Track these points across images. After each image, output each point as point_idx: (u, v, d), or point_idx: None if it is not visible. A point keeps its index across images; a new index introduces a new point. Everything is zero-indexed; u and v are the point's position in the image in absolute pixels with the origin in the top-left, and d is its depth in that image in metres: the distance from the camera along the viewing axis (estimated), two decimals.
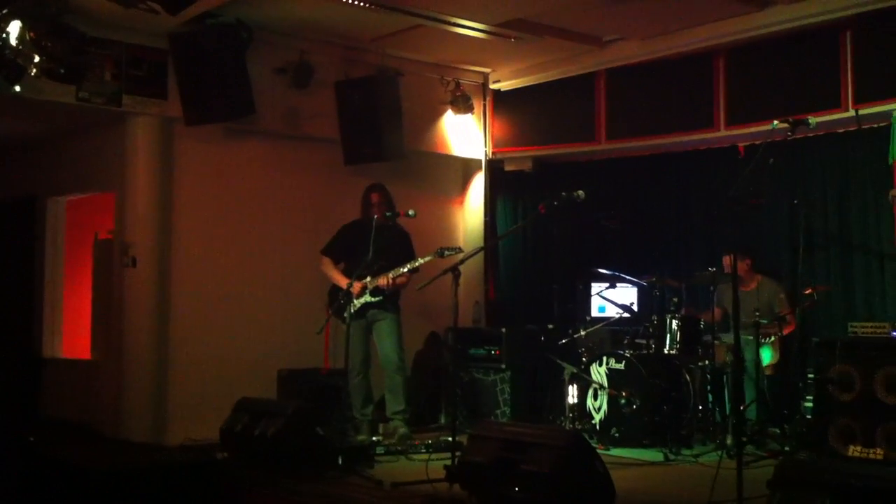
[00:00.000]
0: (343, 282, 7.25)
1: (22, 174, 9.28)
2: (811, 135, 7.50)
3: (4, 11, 6.17)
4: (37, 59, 6.36)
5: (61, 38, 6.51)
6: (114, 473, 5.22)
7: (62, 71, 6.64)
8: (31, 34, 6.31)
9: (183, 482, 5.36)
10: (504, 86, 9.47)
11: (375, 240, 6.99)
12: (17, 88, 6.44)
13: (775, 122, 5.79)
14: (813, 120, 5.70)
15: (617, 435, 7.13)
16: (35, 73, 6.43)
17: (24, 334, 9.02)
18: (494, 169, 9.76)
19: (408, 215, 7.18)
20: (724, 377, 7.29)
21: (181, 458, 6.16)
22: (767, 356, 7.40)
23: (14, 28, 6.20)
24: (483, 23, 7.90)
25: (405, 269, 7.15)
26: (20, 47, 6.25)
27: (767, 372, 7.36)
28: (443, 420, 8.35)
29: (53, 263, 9.00)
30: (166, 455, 6.41)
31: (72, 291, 9.03)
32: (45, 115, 7.82)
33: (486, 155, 9.67)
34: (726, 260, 7.22)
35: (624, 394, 7.14)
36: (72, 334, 8.99)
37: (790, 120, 5.60)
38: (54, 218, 9.03)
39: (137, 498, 5.19)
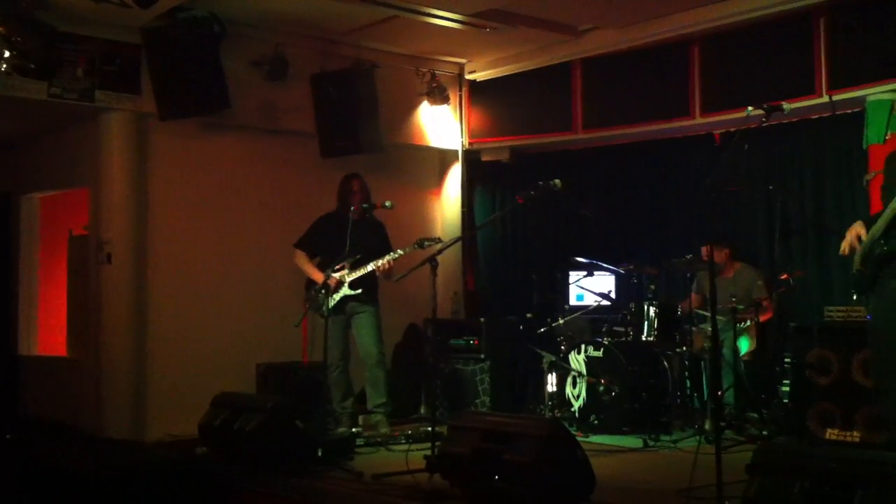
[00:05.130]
0: (318, 276, 7.20)
1: None
2: (786, 121, 7.56)
3: None
4: (6, 54, 6.31)
5: (32, 34, 6.47)
6: (94, 475, 5.19)
7: (33, 66, 6.60)
8: (1, 29, 6.26)
9: (164, 480, 5.34)
10: (480, 76, 9.46)
11: (352, 232, 6.96)
12: None
13: (750, 108, 5.79)
14: (788, 106, 5.69)
15: (596, 422, 7.16)
16: (5, 69, 6.38)
17: (1, 332, 8.95)
18: (471, 160, 9.75)
19: (384, 207, 7.14)
20: (702, 363, 7.33)
21: (161, 456, 6.14)
22: (745, 345, 7.45)
23: None
24: (458, 13, 7.89)
25: (385, 260, 7.08)
26: None
27: (745, 359, 7.40)
28: (423, 411, 8.34)
29: (28, 260, 8.93)
30: (146, 454, 6.39)
31: (47, 288, 8.96)
32: (17, 112, 7.74)
33: (462, 146, 9.66)
34: (705, 249, 7.25)
35: (602, 381, 7.17)
36: (48, 331, 8.92)
37: (765, 106, 5.60)
38: (28, 215, 8.95)
39: (117, 497, 5.16)
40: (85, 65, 7.40)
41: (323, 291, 6.99)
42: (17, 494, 5.56)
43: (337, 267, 7.08)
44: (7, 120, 8.21)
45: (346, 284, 7.15)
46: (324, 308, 6.93)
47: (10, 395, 8.77)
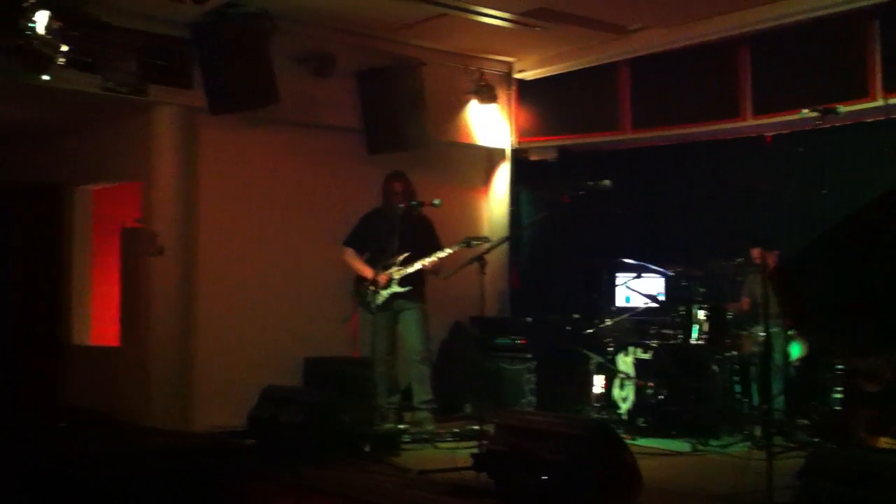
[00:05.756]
0: (368, 272, 7.24)
1: (47, 162, 9.31)
2: (839, 124, 7.44)
3: (32, 1, 6.20)
4: (63, 48, 6.40)
5: (88, 29, 6.56)
6: (139, 458, 5.25)
7: (88, 61, 6.69)
8: (58, 24, 6.35)
9: (210, 469, 5.39)
10: (528, 75, 9.44)
11: (401, 230, 6.98)
12: (46, 78, 6.47)
13: (805, 110, 5.76)
14: (843, 109, 5.67)
15: (644, 425, 7.11)
16: (62, 63, 6.46)
17: (50, 322, 9.08)
18: (519, 159, 9.73)
19: (433, 205, 7.16)
20: (752, 368, 7.24)
21: (209, 443, 6.20)
22: (797, 350, 7.34)
23: (41, 18, 6.23)
24: (507, 12, 7.88)
25: (433, 259, 7.09)
26: (48, 37, 6.28)
27: (795, 364, 7.30)
28: (467, 409, 8.34)
29: (81, 252, 9.03)
30: (193, 441, 6.46)
31: (100, 280, 9.07)
32: (71, 105, 7.84)
33: (510, 145, 9.64)
34: (755, 252, 7.17)
35: (650, 384, 7.11)
36: (101, 322, 9.04)
37: (819, 109, 5.57)
38: (82, 207, 9.05)
39: (161, 485, 5.21)
40: (137, 59, 7.47)
41: (372, 288, 7.02)
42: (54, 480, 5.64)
43: (387, 264, 7.10)
44: (60, 112, 8.33)
45: (395, 281, 7.16)
46: (372, 304, 6.96)
47: (61, 384, 8.90)
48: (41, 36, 6.23)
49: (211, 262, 7.96)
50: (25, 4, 6.16)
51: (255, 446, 6.39)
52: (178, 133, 7.81)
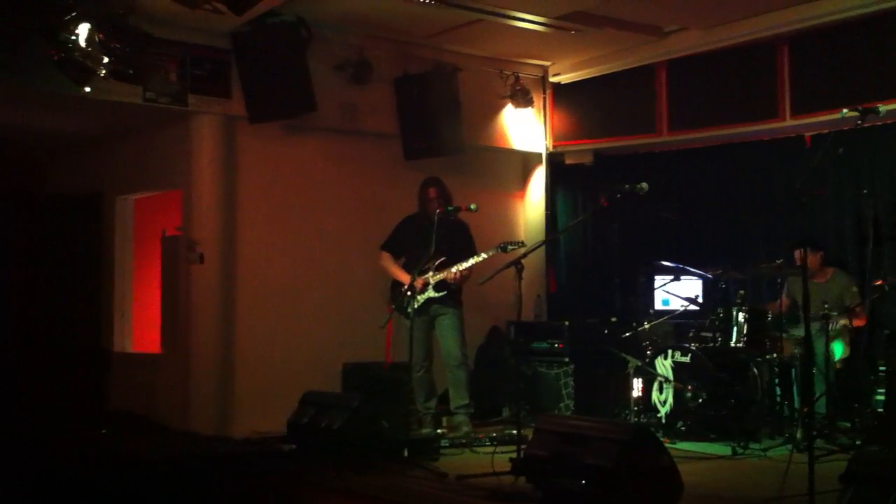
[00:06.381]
0: (405, 277, 7.27)
1: (89, 171, 9.46)
2: (879, 123, 7.35)
3: (73, 14, 6.31)
4: (105, 60, 6.50)
5: (128, 40, 6.66)
6: (180, 463, 5.33)
7: (130, 72, 6.79)
8: (100, 36, 6.46)
9: (252, 473, 5.45)
10: (564, 79, 9.43)
11: (437, 235, 7.00)
12: (87, 89, 6.59)
13: (844, 110, 5.67)
14: (883, 108, 5.57)
15: (683, 429, 7.06)
16: (103, 75, 6.57)
17: (92, 329, 9.21)
18: (554, 162, 9.72)
19: (469, 209, 7.16)
20: (792, 370, 7.17)
21: (250, 449, 6.25)
22: (839, 350, 7.27)
23: (83, 30, 6.35)
24: (542, 16, 7.88)
25: (469, 264, 7.13)
26: (89, 49, 6.40)
27: (837, 366, 7.23)
28: (505, 414, 8.34)
29: (122, 260, 9.16)
30: (234, 446, 6.52)
31: (141, 287, 9.19)
32: (113, 115, 7.96)
33: (546, 148, 9.64)
34: (797, 253, 7.11)
35: (690, 387, 7.07)
36: (142, 329, 9.16)
37: (859, 108, 5.49)
38: (123, 215, 9.18)
39: (205, 488, 5.29)
40: (177, 69, 7.59)
41: (409, 293, 7.05)
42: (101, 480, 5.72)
43: (423, 268, 7.13)
44: (102, 123, 8.46)
45: (431, 286, 7.19)
46: (409, 309, 6.99)
47: (102, 390, 9.02)
48: (83, 48, 6.35)
49: (250, 269, 8.04)
50: (67, 17, 6.29)
51: (295, 451, 6.44)
52: (218, 142, 7.90)
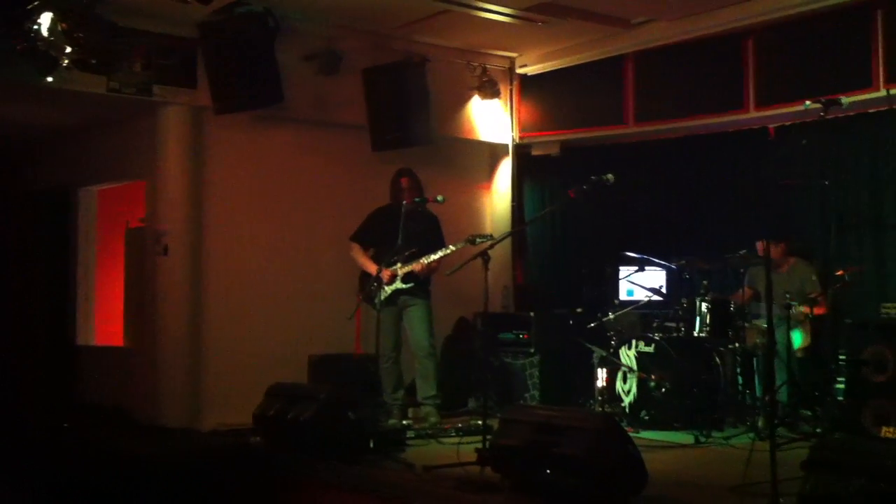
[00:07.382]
0: (373, 268, 7.28)
1: (54, 165, 9.38)
2: (842, 115, 7.43)
3: (36, 3, 6.22)
4: (68, 49, 6.41)
5: (92, 29, 6.57)
6: (152, 460, 5.30)
7: (93, 62, 6.69)
8: (63, 25, 6.37)
9: (219, 467, 5.43)
10: (531, 70, 9.44)
11: (405, 226, 7.01)
12: (50, 79, 6.50)
13: (808, 102, 5.75)
14: (846, 100, 5.66)
15: (647, 418, 7.13)
16: (66, 64, 6.48)
17: (57, 322, 9.14)
18: (522, 154, 9.75)
19: (436, 201, 7.19)
20: (755, 360, 7.26)
21: (217, 442, 6.23)
22: (799, 339, 7.36)
23: (45, 19, 6.25)
24: (510, 7, 7.89)
25: (437, 257, 7.15)
26: (52, 38, 6.30)
27: (798, 354, 7.32)
28: (471, 404, 8.37)
29: (86, 252, 9.09)
30: (202, 440, 6.49)
31: (104, 280, 9.12)
32: (77, 106, 7.89)
33: (513, 140, 9.65)
34: (760, 245, 7.18)
35: (654, 377, 7.13)
36: (105, 322, 9.09)
37: (822, 100, 5.57)
38: (86, 208, 9.11)
39: (174, 483, 5.26)
40: (142, 59, 7.52)
41: (376, 284, 7.05)
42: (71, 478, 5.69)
43: (392, 260, 7.13)
44: (66, 113, 8.38)
45: (399, 277, 7.20)
46: (376, 300, 7.00)
47: (67, 384, 8.95)
48: (45, 37, 6.27)
49: (217, 260, 8.00)
50: (30, 6, 6.20)
51: (262, 444, 6.43)
52: (185, 132, 7.85)
